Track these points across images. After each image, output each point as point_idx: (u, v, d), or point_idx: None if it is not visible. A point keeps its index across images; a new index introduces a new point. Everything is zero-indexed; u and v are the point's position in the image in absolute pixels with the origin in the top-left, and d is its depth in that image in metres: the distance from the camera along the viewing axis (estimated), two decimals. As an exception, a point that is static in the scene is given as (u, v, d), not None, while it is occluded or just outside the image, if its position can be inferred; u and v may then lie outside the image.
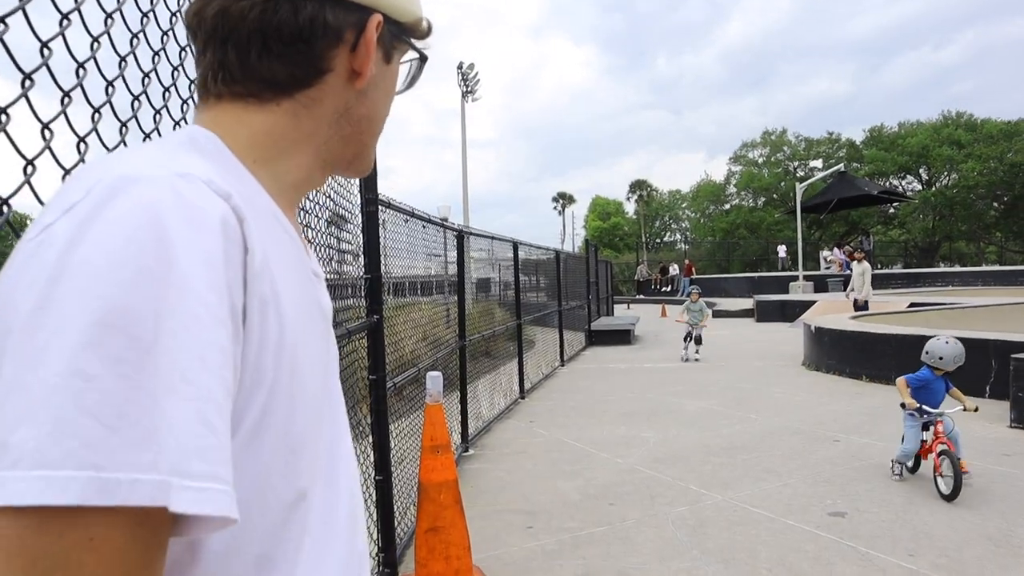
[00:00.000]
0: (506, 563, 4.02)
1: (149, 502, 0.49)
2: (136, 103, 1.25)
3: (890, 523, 4.40)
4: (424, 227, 5.52)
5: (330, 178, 3.51)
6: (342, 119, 0.76)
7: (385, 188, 4.46)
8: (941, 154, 42.39)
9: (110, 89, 1.16)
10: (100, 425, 0.48)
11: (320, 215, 3.22)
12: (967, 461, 4.97)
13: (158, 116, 1.33)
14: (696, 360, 12.01)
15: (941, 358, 5.17)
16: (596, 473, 5.70)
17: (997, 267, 33.27)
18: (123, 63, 1.19)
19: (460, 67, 35.53)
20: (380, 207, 4.13)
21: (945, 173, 44.14)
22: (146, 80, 1.29)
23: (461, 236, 6.76)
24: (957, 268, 32.70)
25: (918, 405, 5.09)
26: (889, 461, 5.43)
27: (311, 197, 3.10)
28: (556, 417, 8.09)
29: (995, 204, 42.46)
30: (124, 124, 1.22)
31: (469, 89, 35.95)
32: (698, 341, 12.29)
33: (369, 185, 4.00)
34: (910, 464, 5.35)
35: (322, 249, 3.32)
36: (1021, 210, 40.19)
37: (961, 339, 8.50)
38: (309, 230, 3.01)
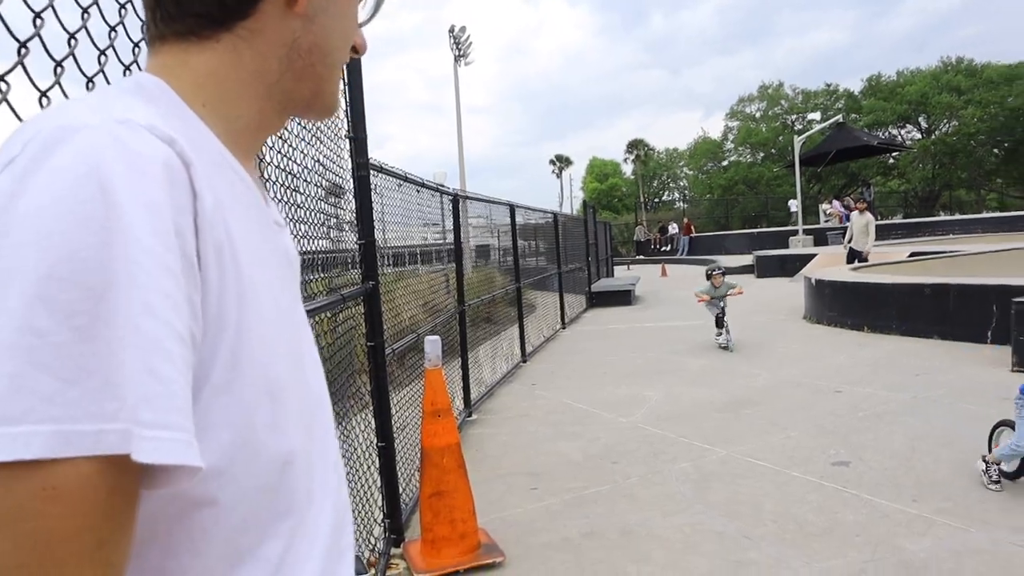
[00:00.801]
0: (511, 524, 4.03)
1: (111, 450, 0.49)
2: (103, 57, 1.20)
3: (893, 470, 4.41)
4: (418, 191, 5.46)
5: (321, 145, 3.46)
6: (292, 52, 0.71)
7: (380, 156, 4.42)
8: (941, 101, 41.92)
9: (72, 42, 1.11)
10: (57, 379, 0.48)
11: (309, 180, 3.16)
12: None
13: (127, 72, 1.28)
14: (728, 344, 9.07)
15: None
16: (599, 433, 5.71)
17: (998, 213, 33.08)
18: (86, 15, 1.14)
19: (452, 31, 35.02)
20: (372, 172, 4.07)
21: (945, 120, 43.71)
22: (112, 34, 1.23)
23: (456, 200, 6.70)
24: (957, 216, 32.55)
25: None
26: (980, 463, 4.15)
27: (299, 161, 3.04)
28: (558, 379, 8.11)
29: (995, 150, 42.07)
30: (90, 80, 1.18)
31: (462, 53, 35.47)
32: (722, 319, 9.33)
33: (360, 149, 3.94)
34: (1013, 466, 4.04)
35: (315, 216, 3.27)
36: (1022, 155, 39.83)
37: (963, 286, 8.54)
38: (298, 195, 2.96)
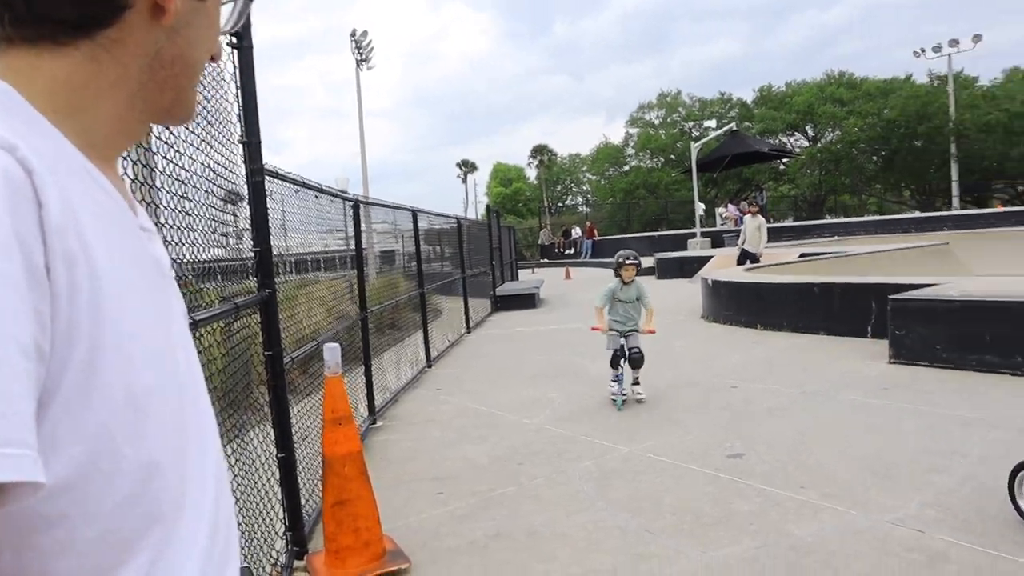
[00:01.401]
0: (416, 530, 4.01)
1: None
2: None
3: (784, 461, 4.62)
4: (316, 197, 5.37)
5: (211, 150, 3.36)
6: (154, 63, 0.70)
7: (280, 162, 4.31)
8: (825, 112, 44.21)
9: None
10: None
11: (199, 186, 3.06)
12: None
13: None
14: (638, 398, 6.50)
15: None
16: (504, 436, 5.75)
17: (877, 217, 35.26)
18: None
19: (353, 35, 34.58)
20: (268, 177, 3.98)
21: (829, 129, 46.11)
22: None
23: (357, 206, 6.62)
24: (842, 219, 34.40)
25: None
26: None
27: (189, 168, 2.95)
28: (463, 383, 8.12)
29: (874, 158, 44.66)
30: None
31: (364, 57, 35.08)
32: (635, 363, 6.52)
33: (254, 156, 3.84)
34: None
35: (206, 223, 3.17)
36: (897, 163, 42.39)
37: (846, 284, 9.03)
38: (187, 201, 2.86)
